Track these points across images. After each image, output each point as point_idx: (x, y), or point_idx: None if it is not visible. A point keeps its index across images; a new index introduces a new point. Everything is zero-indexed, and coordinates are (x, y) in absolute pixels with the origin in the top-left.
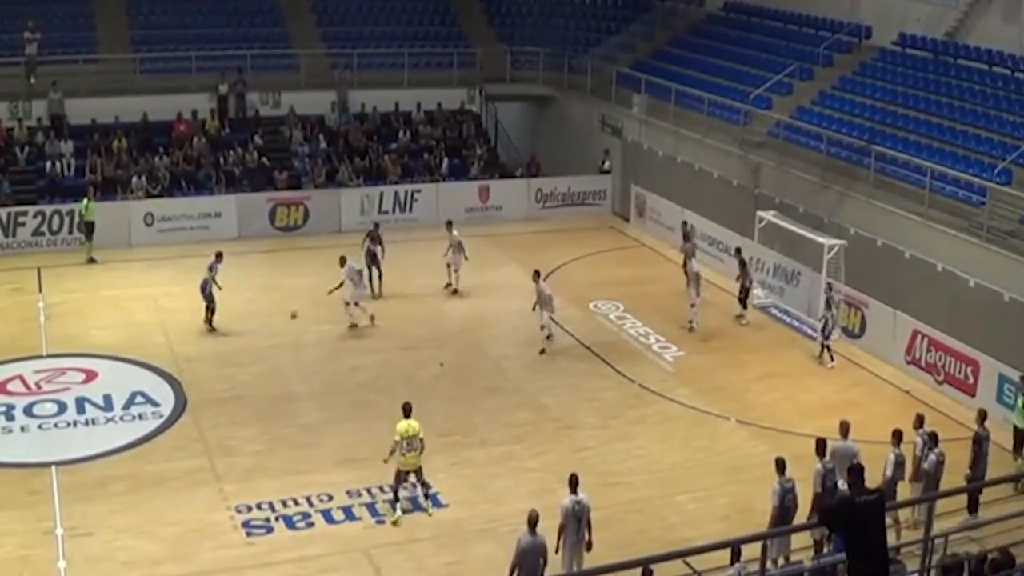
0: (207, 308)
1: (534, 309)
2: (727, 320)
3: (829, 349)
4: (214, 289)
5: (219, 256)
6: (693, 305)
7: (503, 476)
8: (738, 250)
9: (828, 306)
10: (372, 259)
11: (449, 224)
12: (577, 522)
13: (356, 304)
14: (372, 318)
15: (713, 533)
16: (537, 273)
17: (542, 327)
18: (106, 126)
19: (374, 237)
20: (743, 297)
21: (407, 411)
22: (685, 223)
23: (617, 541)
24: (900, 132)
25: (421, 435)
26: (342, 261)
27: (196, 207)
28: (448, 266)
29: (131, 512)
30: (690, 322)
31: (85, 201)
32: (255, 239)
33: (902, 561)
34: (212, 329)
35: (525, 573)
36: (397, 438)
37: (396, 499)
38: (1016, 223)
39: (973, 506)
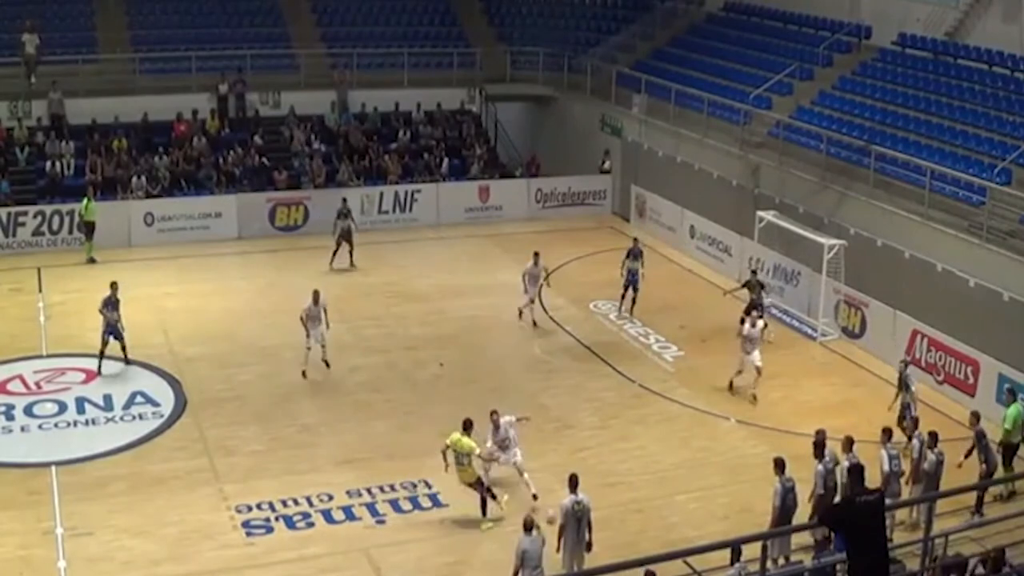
0: (122, 347)
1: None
2: (726, 321)
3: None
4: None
5: (114, 286)
6: (741, 372)
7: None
8: (754, 272)
9: (906, 387)
10: (346, 236)
11: (536, 256)
12: (577, 523)
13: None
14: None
15: (713, 533)
16: (495, 414)
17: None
18: (106, 126)
19: (343, 213)
20: (760, 315)
21: (466, 427)
22: (636, 240)
23: (617, 541)
24: (900, 132)
25: (472, 454)
26: (315, 297)
27: (196, 207)
28: (527, 296)
29: (131, 512)
30: (752, 396)
31: (85, 201)
32: (255, 239)
33: (902, 561)
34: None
35: (527, 573)
36: (448, 442)
37: (484, 508)
38: (1016, 223)
39: (979, 504)
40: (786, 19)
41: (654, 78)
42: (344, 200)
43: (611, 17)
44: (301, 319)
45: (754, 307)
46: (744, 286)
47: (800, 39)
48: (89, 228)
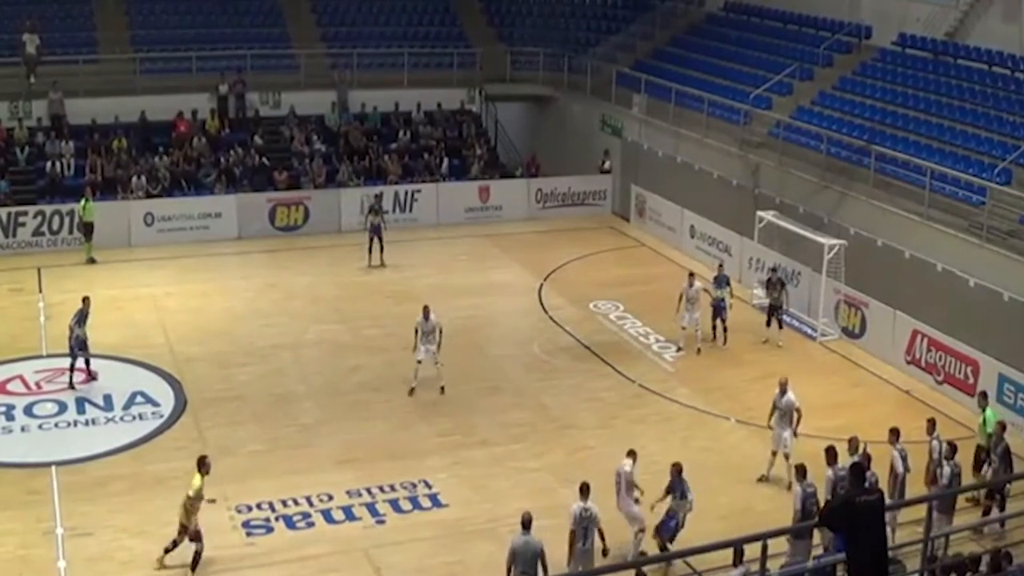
0: (86, 361)
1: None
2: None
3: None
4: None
5: (86, 300)
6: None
7: (503, 476)
8: (773, 270)
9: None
10: (375, 231)
11: (691, 276)
12: (584, 530)
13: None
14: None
15: (713, 533)
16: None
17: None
18: (106, 126)
19: (376, 209)
20: (779, 319)
21: (200, 464)
22: (720, 266)
23: (617, 542)
24: (900, 132)
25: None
26: (426, 313)
27: (196, 207)
28: (683, 327)
29: (131, 512)
30: None
31: (83, 201)
32: (255, 239)
33: (902, 561)
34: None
35: (519, 570)
36: (191, 491)
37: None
38: (1016, 223)
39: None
40: (786, 19)
41: (654, 78)
42: (378, 196)
43: (611, 17)
44: (416, 330)
45: (776, 309)
46: (765, 286)
47: (800, 39)
48: (88, 228)
